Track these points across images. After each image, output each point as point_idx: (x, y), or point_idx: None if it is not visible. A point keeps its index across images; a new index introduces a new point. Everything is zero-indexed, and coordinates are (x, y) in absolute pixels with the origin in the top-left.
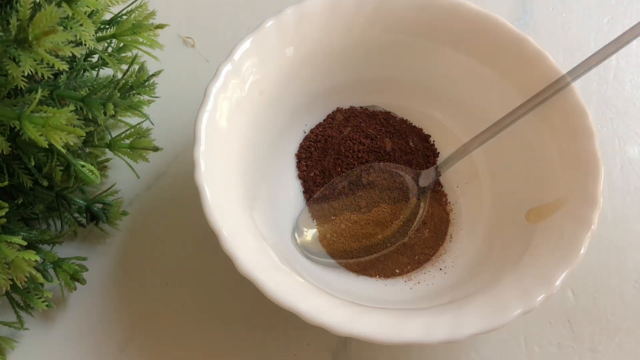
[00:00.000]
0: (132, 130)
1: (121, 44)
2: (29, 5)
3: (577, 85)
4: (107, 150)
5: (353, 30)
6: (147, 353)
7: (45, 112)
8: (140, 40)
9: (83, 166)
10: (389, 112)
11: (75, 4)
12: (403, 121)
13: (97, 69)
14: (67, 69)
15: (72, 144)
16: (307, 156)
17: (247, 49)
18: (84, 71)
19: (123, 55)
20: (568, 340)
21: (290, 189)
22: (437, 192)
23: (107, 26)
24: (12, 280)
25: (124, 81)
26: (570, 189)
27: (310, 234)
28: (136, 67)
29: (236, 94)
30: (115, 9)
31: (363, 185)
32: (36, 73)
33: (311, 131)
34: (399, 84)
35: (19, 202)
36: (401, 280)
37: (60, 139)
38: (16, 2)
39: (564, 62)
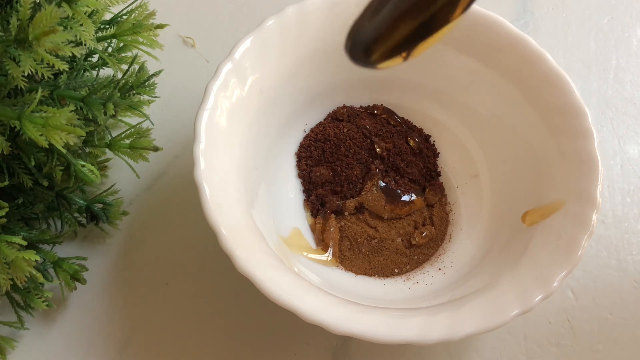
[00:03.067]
0: (132, 130)
1: (121, 44)
2: (29, 5)
3: (577, 85)
4: (107, 150)
5: None
6: (147, 353)
7: (45, 112)
8: (140, 40)
9: (83, 166)
10: (390, 111)
11: (75, 4)
12: (403, 121)
13: (97, 69)
14: (67, 69)
15: (72, 143)
16: (307, 155)
17: (248, 47)
18: (84, 71)
19: (123, 55)
20: (568, 340)
21: (290, 188)
22: (436, 192)
23: (107, 26)
24: (12, 280)
25: (124, 81)
26: (569, 189)
27: None
28: (136, 67)
29: (236, 92)
30: (115, 9)
31: None
32: (36, 73)
33: (311, 130)
34: (399, 83)
35: (19, 202)
36: (400, 279)
37: (60, 138)
38: (16, 2)
39: (564, 62)
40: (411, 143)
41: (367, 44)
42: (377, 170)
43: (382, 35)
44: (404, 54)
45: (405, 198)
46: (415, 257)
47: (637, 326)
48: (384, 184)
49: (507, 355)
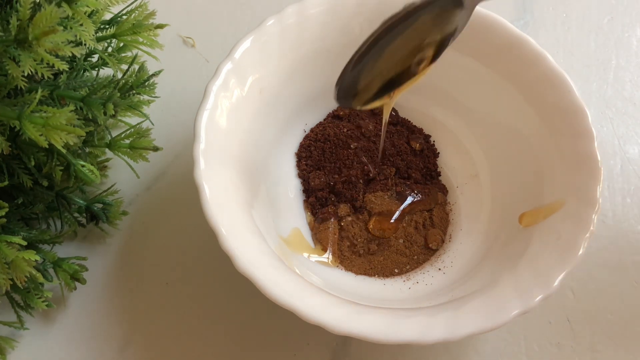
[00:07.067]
0: (132, 130)
1: (121, 44)
2: (29, 5)
3: (577, 85)
4: (107, 150)
5: (353, 30)
6: (147, 353)
7: (45, 112)
8: (140, 40)
9: (83, 166)
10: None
11: (75, 4)
12: (403, 121)
13: (97, 69)
14: (67, 69)
15: (72, 143)
16: (307, 155)
17: (248, 47)
18: (84, 71)
19: (123, 55)
20: (568, 340)
21: (290, 188)
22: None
23: (107, 26)
24: (12, 280)
25: (124, 81)
26: (569, 189)
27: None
28: (136, 67)
29: (236, 92)
30: (115, 9)
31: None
32: (36, 73)
33: (311, 130)
34: None
35: (19, 202)
36: (400, 279)
37: (60, 138)
38: (16, 2)
39: (564, 62)
40: (415, 146)
41: (349, 98)
42: (392, 182)
43: (361, 91)
44: (386, 97)
45: (413, 199)
46: (415, 257)
47: (637, 326)
48: (398, 192)
49: (507, 355)
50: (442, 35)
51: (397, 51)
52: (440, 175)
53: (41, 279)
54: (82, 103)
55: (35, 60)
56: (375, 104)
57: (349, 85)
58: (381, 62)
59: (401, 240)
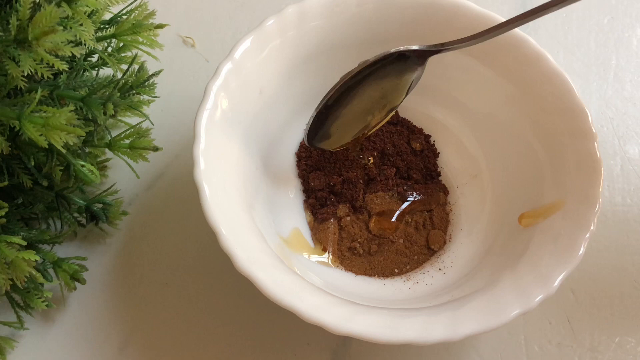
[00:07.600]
0: (132, 130)
1: (121, 44)
2: (28, 5)
3: (577, 85)
4: (107, 150)
5: (353, 30)
6: (147, 353)
7: (45, 112)
8: (140, 40)
9: (83, 166)
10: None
11: (75, 3)
12: (403, 121)
13: (97, 68)
14: (67, 69)
15: (72, 143)
16: (307, 155)
17: (248, 47)
18: (84, 71)
19: (123, 55)
20: (568, 340)
21: (290, 188)
22: (436, 189)
23: (107, 26)
24: (12, 280)
25: (123, 81)
26: (570, 189)
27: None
28: (136, 67)
29: (236, 92)
30: (115, 9)
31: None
32: (36, 73)
33: None
34: None
35: (19, 202)
36: (400, 280)
37: (60, 138)
38: (16, 2)
39: (564, 62)
40: (415, 146)
41: (320, 140)
42: (393, 182)
43: (331, 136)
44: (352, 141)
45: (414, 199)
46: (415, 257)
47: (637, 326)
48: (399, 192)
49: (507, 355)
50: (399, 86)
51: (360, 102)
52: (440, 176)
53: (41, 279)
54: (82, 103)
55: (35, 60)
56: (346, 146)
57: (319, 131)
58: (346, 112)
59: (401, 241)
